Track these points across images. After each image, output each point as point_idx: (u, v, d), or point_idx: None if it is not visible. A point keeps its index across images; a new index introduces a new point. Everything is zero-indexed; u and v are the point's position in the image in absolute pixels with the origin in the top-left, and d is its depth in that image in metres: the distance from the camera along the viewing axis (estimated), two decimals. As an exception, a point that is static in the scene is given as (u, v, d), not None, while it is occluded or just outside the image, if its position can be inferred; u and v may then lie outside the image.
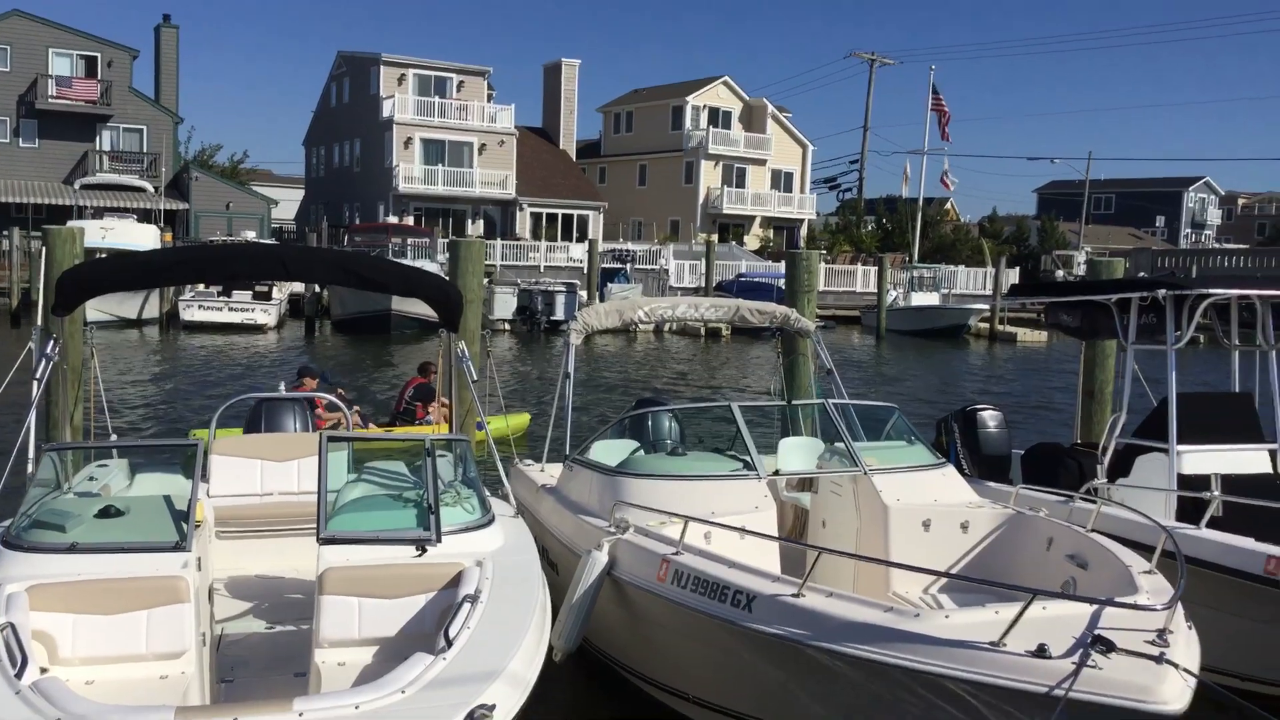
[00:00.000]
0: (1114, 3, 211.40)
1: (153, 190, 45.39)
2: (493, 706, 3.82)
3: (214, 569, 6.86)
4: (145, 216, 41.79)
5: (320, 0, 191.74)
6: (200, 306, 32.82)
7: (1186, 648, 4.51)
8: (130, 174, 47.03)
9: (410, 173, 52.80)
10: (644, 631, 6.22)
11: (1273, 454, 7.98)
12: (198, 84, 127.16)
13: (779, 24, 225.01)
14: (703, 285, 43.01)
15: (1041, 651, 4.25)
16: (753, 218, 62.57)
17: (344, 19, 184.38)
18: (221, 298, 32.98)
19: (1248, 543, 6.56)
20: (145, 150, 49.15)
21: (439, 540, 5.22)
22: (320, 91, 62.70)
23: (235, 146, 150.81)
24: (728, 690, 5.78)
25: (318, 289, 34.67)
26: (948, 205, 75.77)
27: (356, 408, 14.02)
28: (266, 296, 33.76)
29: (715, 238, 50.89)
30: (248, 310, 33.19)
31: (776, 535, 6.82)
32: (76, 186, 44.25)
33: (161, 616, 4.75)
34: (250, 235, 43.54)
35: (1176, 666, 4.20)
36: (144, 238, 33.61)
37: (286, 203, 66.19)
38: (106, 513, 5.24)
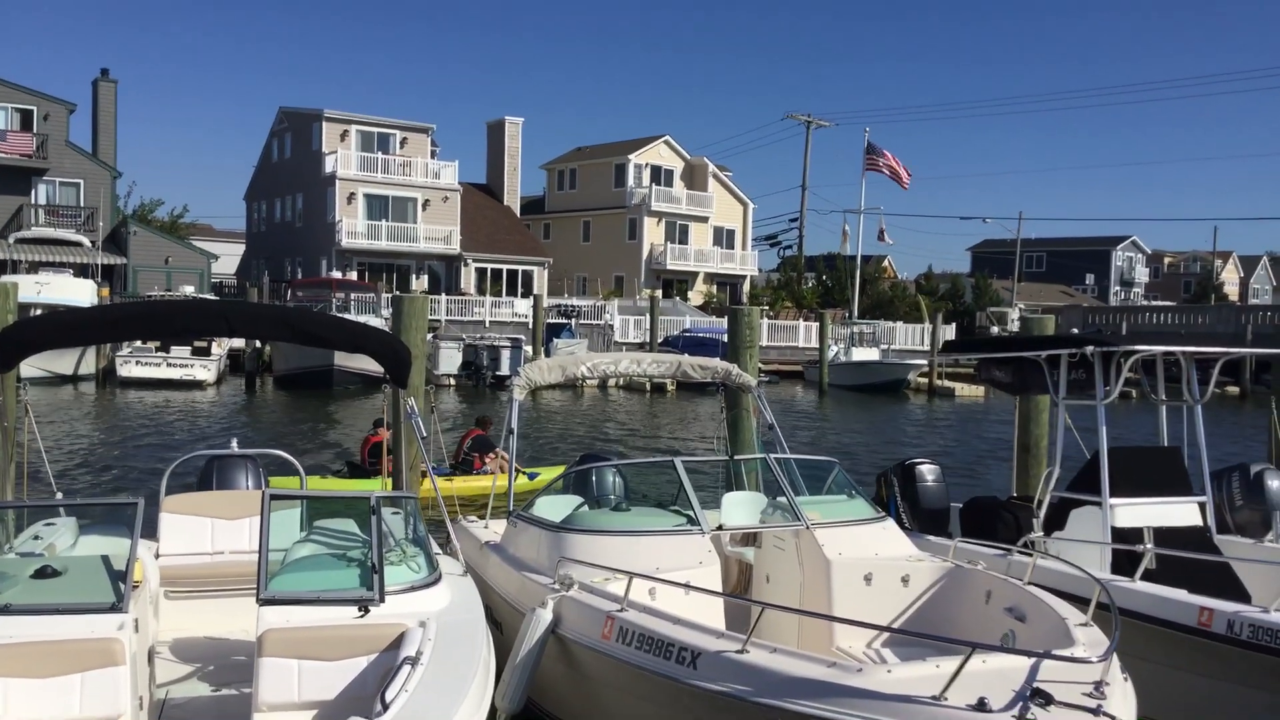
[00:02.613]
0: (1040, 69, 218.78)
1: (90, 245, 44.72)
2: None
3: (162, 629, 6.71)
4: (82, 271, 41.08)
5: (262, 56, 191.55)
6: (138, 362, 32.21)
7: (1123, 699, 4.59)
8: (66, 228, 46.27)
9: (353, 228, 52.61)
10: (589, 690, 6.18)
11: (1202, 507, 8.19)
12: (137, 138, 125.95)
13: (718, 86, 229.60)
14: (647, 340, 43.23)
15: (982, 705, 4.31)
16: (696, 274, 63.16)
17: (286, 75, 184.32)
18: (160, 353, 32.40)
19: (1181, 594, 6.70)
20: (82, 204, 48.41)
21: (382, 600, 5.17)
22: (262, 146, 62.50)
23: (176, 201, 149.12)
24: (674, 748, 5.75)
25: (258, 344, 34.24)
26: (885, 263, 77.20)
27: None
28: (206, 352, 33.25)
29: (659, 293, 51.29)
30: (187, 366, 32.63)
31: (721, 590, 6.84)
32: (11, 241, 43.45)
33: (96, 679, 4.64)
34: (189, 290, 42.93)
35: (1114, 718, 4.28)
36: (81, 293, 33.04)
37: (227, 257, 65.51)
38: (43, 573, 5.12)
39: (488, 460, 15.37)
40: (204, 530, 7.43)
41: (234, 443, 8.63)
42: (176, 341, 31.43)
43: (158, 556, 7.10)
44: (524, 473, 14.20)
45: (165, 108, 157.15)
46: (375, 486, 11.16)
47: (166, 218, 61.29)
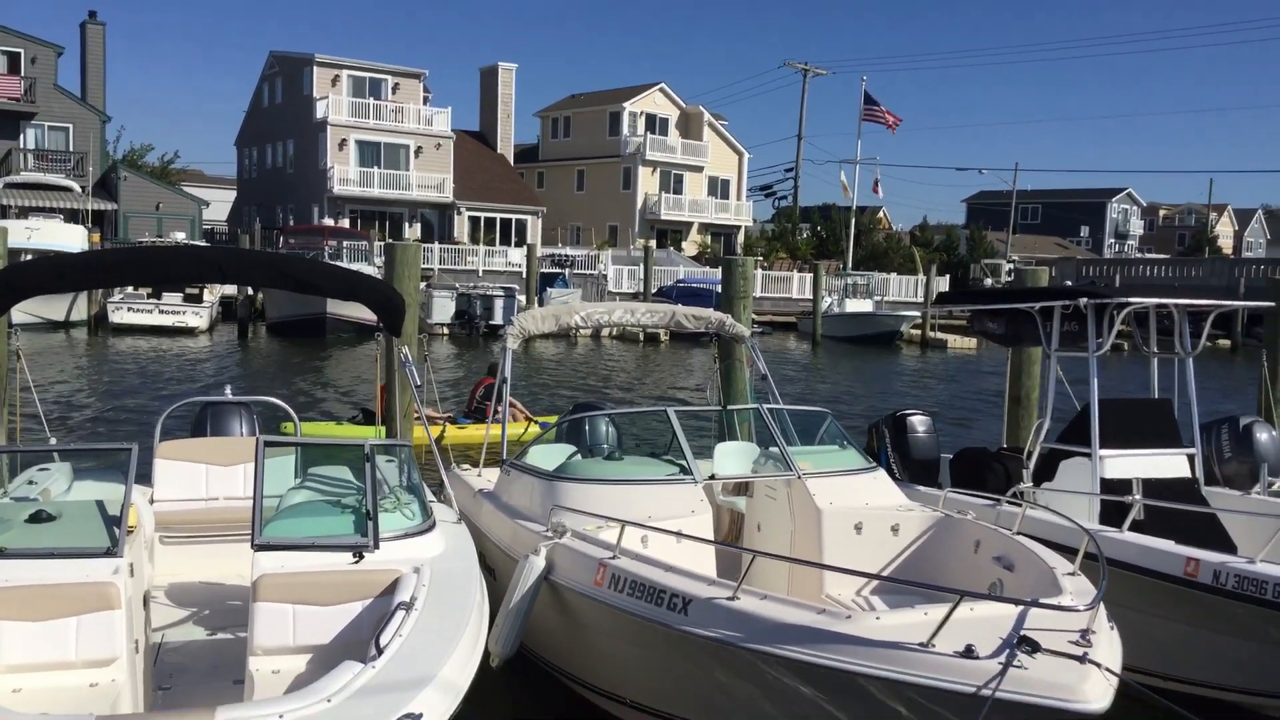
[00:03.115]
0: (1038, 19, 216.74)
1: (79, 190, 44.27)
2: (420, 715, 3.80)
3: (157, 575, 6.75)
4: (72, 217, 40.76)
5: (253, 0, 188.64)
6: (130, 309, 32.12)
7: (1109, 647, 4.64)
8: (56, 173, 45.81)
9: (345, 174, 52.21)
10: (581, 635, 6.26)
11: (1191, 459, 8.24)
12: (127, 82, 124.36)
13: (714, 33, 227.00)
14: (641, 290, 43.14)
15: (969, 652, 4.36)
16: (690, 224, 62.90)
17: (277, 18, 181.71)
18: (151, 300, 32.31)
19: (1168, 545, 6.77)
20: (71, 149, 47.89)
21: (376, 547, 5.20)
22: (252, 91, 61.76)
23: (166, 146, 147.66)
24: (664, 693, 5.83)
25: (250, 291, 34.11)
26: (880, 214, 76.91)
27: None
28: (198, 299, 33.14)
29: (653, 243, 51.11)
30: (179, 313, 32.55)
31: (712, 539, 6.90)
32: (0, 185, 43.07)
33: (91, 623, 4.67)
34: (180, 236, 42.60)
35: (1099, 666, 4.32)
36: (71, 238, 32.82)
37: (218, 204, 64.99)
38: (38, 518, 5.13)
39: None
40: (199, 476, 7.46)
41: (228, 389, 8.62)
42: (168, 288, 31.30)
43: (152, 502, 7.13)
44: (536, 422, 14.32)
45: (155, 51, 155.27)
46: (370, 434, 11.21)
47: (157, 163, 60.74)
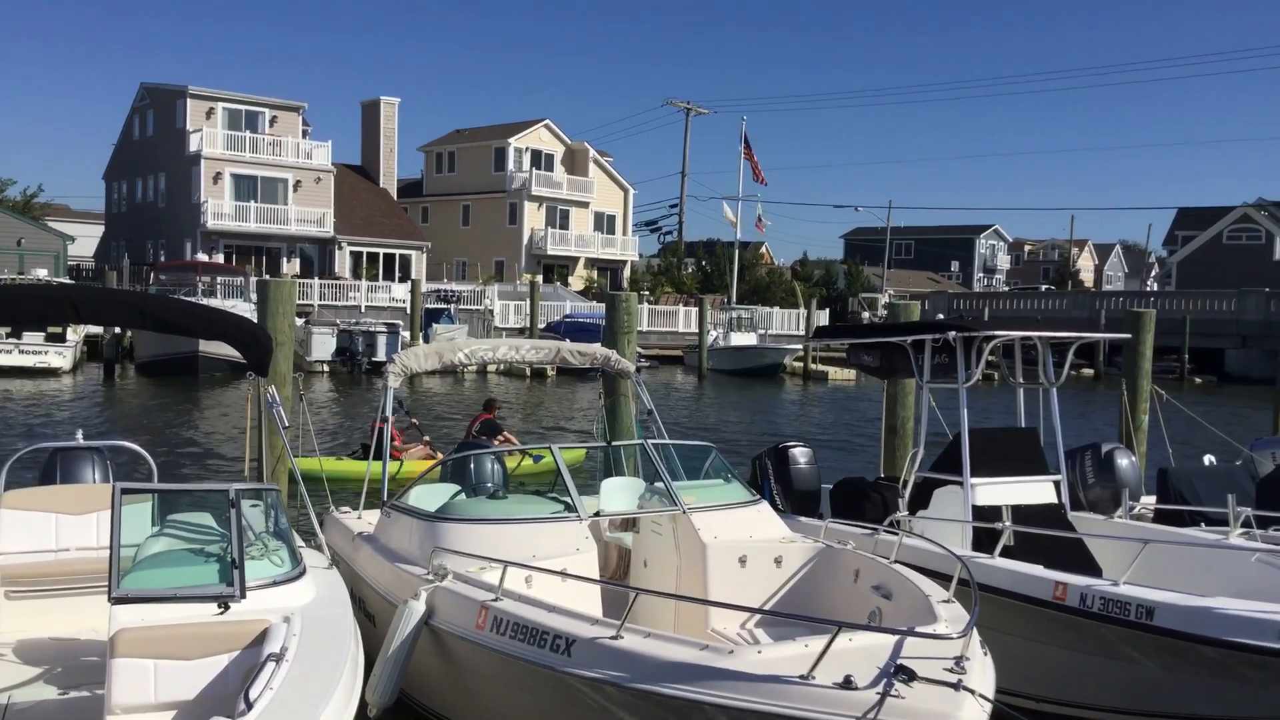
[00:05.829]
0: (907, 63, 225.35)
1: (-68, 225, 42.11)
2: None
3: (3, 631, 6.37)
4: (-77, 253, 38.71)
5: (122, 26, 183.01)
6: (-13, 349, 30.55)
7: (982, 673, 4.75)
8: (-94, 207, 43.49)
9: (220, 209, 50.75)
10: (464, 681, 6.11)
11: (1057, 485, 8.54)
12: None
13: (598, 71, 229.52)
14: (528, 326, 42.94)
15: (848, 683, 4.40)
16: (577, 259, 63.05)
17: (148, 46, 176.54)
18: (11, 340, 30.79)
19: (1037, 570, 6.98)
20: (-77, 183, 45.61)
21: (243, 596, 4.99)
22: (122, 123, 59.74)
23: (29, 180, 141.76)
24: (550, 737, 5.73)
25: (118, 329, 32.82)
26: (763, 249, 78.46)
27: (426, 438, 16.18)
28: (60, 338, 31.69)
29: (540, 278, 51.03)
30: (40, 353, 31.06)
31: (598, 577, 6.84)
32: None
33: None
34: (43, 274, 40.79)
35: (974, 692, 4.41)
36: (-78, 277, 31.13)
37: (85, 239, 62.52)
38: None
39: (497, 443, 15.03)
40: (47, 526, 7.05)
41: (79, 434, 8.18)
42: (28, 327, 29.87)
43: None
44: (530, 455, 14.10)
45: (16, 81, 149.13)
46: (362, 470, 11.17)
47: (19, 198, 58.16)
